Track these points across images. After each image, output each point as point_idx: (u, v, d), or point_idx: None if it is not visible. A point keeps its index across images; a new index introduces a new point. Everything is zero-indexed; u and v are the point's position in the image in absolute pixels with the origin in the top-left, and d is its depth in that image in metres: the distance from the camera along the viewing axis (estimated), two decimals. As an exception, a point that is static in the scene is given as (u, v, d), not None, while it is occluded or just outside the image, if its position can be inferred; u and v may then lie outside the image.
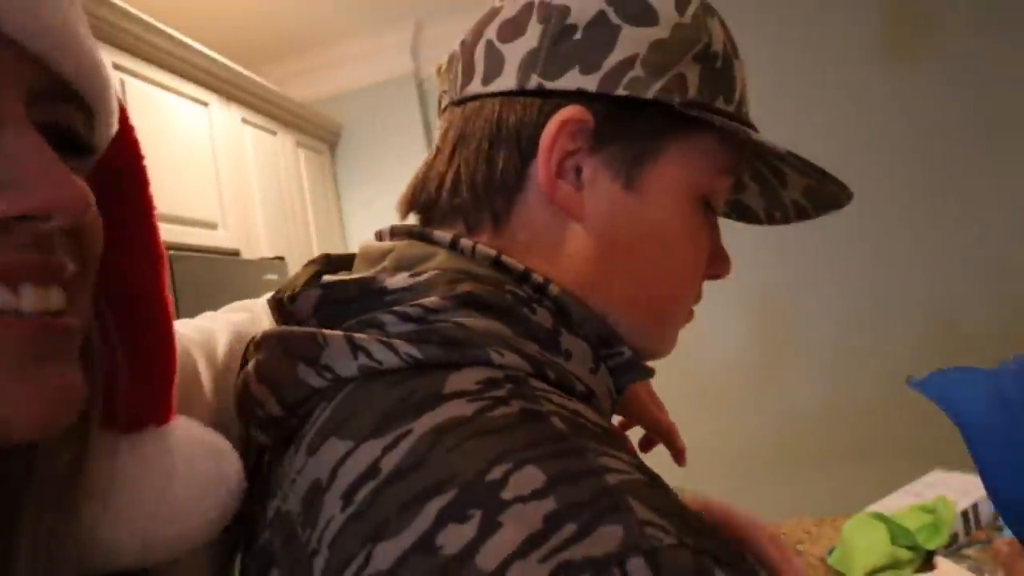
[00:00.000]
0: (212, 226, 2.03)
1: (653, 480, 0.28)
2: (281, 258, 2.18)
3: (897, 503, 1.22)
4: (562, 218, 0.40)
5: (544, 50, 0.39)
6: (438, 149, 0.43)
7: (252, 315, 0.49)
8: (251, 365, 0.37)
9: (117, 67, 1.77)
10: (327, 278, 0.41)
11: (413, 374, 0.32)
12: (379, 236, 0.44)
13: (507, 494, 0.25)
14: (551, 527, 0.24)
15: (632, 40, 0.39)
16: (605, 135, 0.39)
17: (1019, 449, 0.51)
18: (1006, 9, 2.26)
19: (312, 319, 0.37)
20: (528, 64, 0.39)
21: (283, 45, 2.71)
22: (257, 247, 2.22)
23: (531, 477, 0.26)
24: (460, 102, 0.42)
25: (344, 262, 0.46)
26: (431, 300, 0.34)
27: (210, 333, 0.46)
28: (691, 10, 0.41)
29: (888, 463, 1.80)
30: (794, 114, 2.30)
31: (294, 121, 2.60)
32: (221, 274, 1.82)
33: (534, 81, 0.39)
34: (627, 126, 0.39)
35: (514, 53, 0.40)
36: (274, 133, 2.48)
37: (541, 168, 0.38)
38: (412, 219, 0.46)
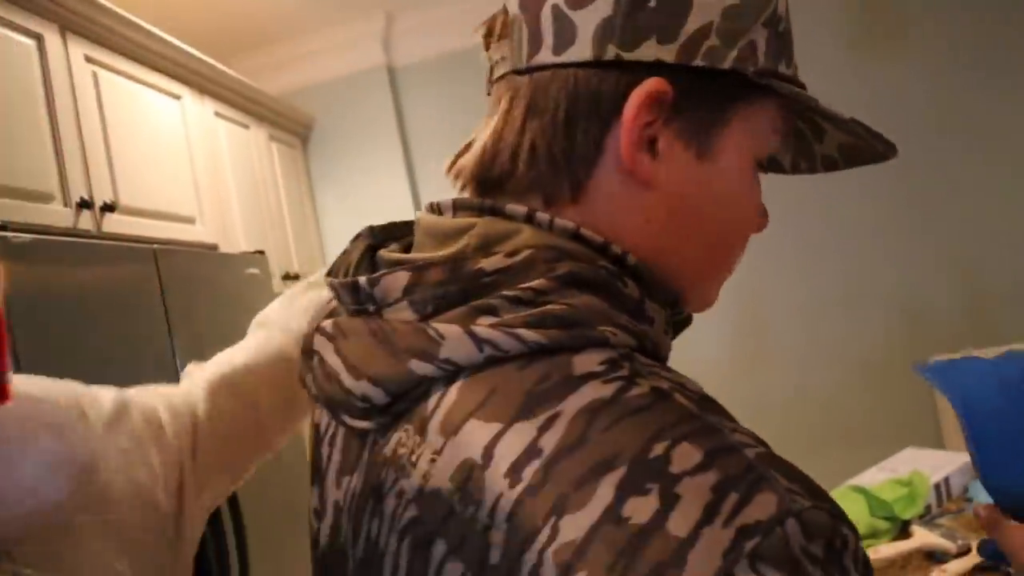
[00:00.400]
0: (190, 220, 2.01)
1: (770, 449, 0.31)
2: (262, 252, 2.16)
3: (874, 478, 1.27)
4: (637, 188, 0.40)
5: (620, 18, 0.38)
6: (504, 120, 0.41)
7: (165, 396, 0.52)
8: (334, 360, 0.37)
9: (89, 60, 1.74)
10: (394, 256, 0.41)
11: (537, 356, 0.33)
12: (435, 209, 0.42)
13: (674, 469, 0.28)
14: (719, 497, 0.27)
15: (706, 7, 0.38)
16: (681, 106, 0.39)
17: (1018, 437, 0.53)
18: (975, 7, 2.34)
19: (402, 302, 0.36)
20: (604, 34, 0.38)
21: (253, 37, 2.67)
22: (235, 241, 2.20)
23: (689, 453, 0.28)
24: (526, 71, 0.40)
25: (391, 232, 0.46)
26: (539, 283, 0.35)
27: (94, 394, 0.46)
28: None
29: (860, 446, 1.88)
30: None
31: (267, 115, 2.57)
32: (205, 269, 1.80)
33: (611, 52, 0.38)
34: (702, 96, 0.39)
35: (587, 21, 0.38)
36: (247, 127, 2.45)
37: (624, 140, 0.38)
38: (454, 192, 0.45)
